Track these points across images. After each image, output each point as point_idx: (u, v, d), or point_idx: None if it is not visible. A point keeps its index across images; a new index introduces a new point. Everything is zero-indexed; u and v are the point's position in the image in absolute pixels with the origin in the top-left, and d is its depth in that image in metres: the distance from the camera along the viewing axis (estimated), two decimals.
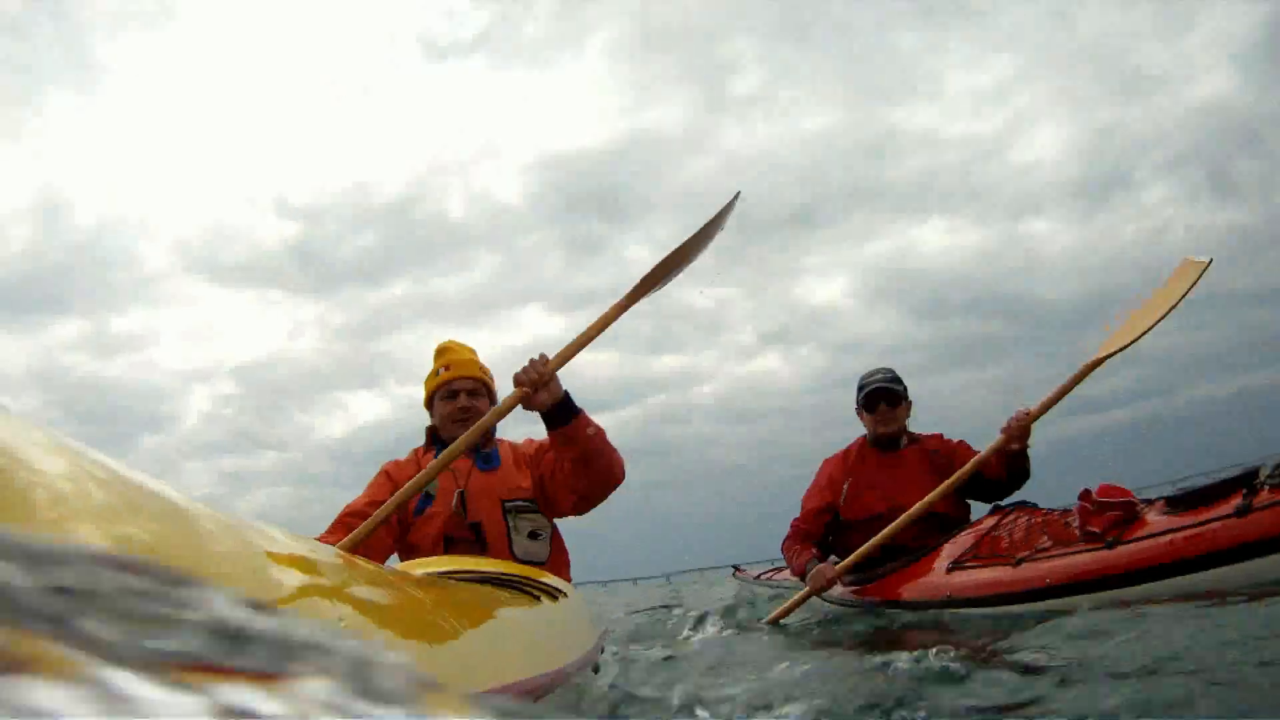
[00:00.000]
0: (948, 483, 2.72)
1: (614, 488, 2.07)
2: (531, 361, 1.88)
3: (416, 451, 2.32)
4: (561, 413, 1.90)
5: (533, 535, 2.11)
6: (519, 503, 2.12)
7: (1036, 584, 2.15)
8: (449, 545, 2.05)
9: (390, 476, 2.21)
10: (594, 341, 1.97)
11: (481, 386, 2.26)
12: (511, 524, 2.09)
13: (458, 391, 2.22)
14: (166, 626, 0.20)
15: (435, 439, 2.27)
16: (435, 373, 2.29)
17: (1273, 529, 1.73)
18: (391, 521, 2.01)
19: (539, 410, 1.90)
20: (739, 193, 2.11)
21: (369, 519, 1.85)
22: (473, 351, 2.34)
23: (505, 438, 2.32)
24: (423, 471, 1.92)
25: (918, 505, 2.73)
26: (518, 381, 1.87)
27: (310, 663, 0.20)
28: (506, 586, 1.47)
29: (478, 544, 2.05)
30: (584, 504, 2.10)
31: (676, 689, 1.60)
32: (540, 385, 1.86)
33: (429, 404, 2.31)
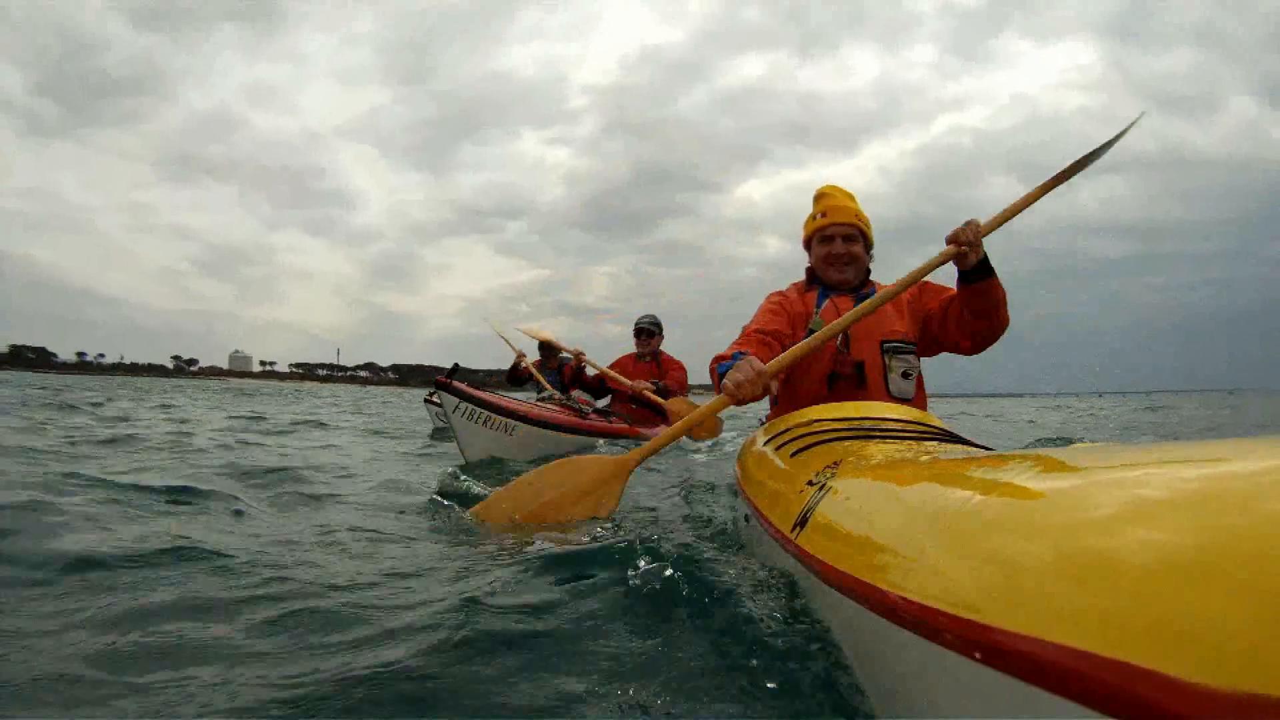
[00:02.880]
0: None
1: (1000, 336, 2.20)
2: (966, 224, 1.96)
3: (797, 286, 2.46)
4: (981, 271, 2.00)
5: (905, 375, 2.22)
6: (896, 343, 2.22)
7: None
8: (833, 381, 2.21)
9: (782, 306, 2.37)
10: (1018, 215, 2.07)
11: (857, 232, 2.35)
12: (888, 363, 2.21)
13: (834, 236, 2.34)
14: None
15: (814, 279, 2.42)
16: (814, 217, 2.41)
17: None
18: (786, 332, 2.28)
19: (964, 268, 2.01)
20: (1143, 112, 2.23)
21: (794, 348, 2.00)
22: (851, 197, 2.42)
23: (880, 281, 2.41)
24: (842, 318, 2.02)
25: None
26: (951, 240, 1.97)
27: None
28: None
29: (857, 380, 2.20)
30: (976, 349, 2.23)
31: None
32: (972, 246, 1.96)
33: (807, 245, 2.44)
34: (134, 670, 1.07)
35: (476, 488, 2.66)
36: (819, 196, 2.43)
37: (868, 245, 2.38)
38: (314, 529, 2.12)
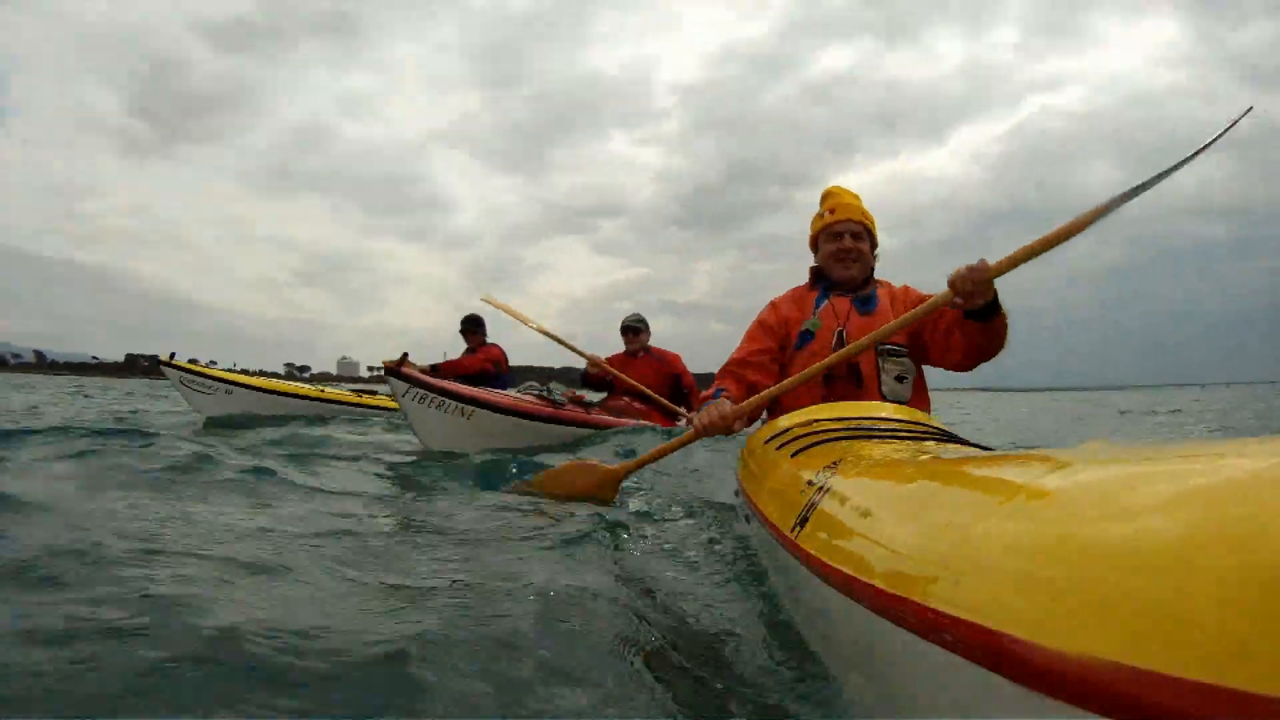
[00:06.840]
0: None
1: (993, 359, 2.15)
2: (971, 268, 1.78)
3: (799, 289, 2.49)
4: (986, 310, 1.88)
5: (899, 379, 2.22)
6: (891, 346, 2.22)
7: None
8: (829, 381, 2.22)
9: (770, 322, 2.41)
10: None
11: (863, 229, 2.39)
12: (882, 365, 2.21)
13: (841, 234, 2.37)
14: None
15: (819, 278, 2.45)
16: (821, 215, 2.46)
17: None
18: (774, 350, 2.35)
19: (967, 309, 1.86)
20: (1249, 108, 1.80)
21: (770, 390, 2.16)
22: (857, 196, 2.47)
23: (885, 279, 2.44)
24: (839, 353, 2.06)
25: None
26: (951, 285, 1.80)
27: None
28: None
29: (853, 381, 2.21)
30: (966, 369, 2.19)
31: None
32: (971, 295, 1.80)
33: (814, 244, 2.48)
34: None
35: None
36: (826, 195, 2.49)
37: (873, 244, 2.42)
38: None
